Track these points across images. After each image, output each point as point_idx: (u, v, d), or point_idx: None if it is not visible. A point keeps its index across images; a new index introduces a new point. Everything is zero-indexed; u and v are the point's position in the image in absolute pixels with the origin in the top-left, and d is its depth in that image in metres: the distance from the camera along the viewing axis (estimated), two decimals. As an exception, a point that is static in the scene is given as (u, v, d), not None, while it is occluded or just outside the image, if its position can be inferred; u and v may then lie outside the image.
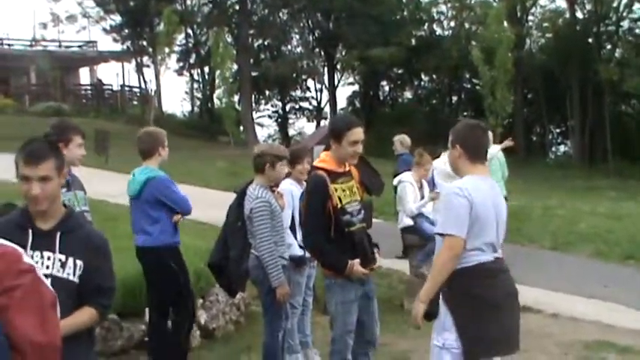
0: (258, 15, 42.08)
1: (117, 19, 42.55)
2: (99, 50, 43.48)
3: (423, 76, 46.12)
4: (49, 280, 2.89)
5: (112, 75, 52.77)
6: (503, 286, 3.99)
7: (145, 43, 42.01)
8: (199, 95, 47.90)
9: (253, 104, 44.03)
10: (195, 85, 48.29)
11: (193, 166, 20.33)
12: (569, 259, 11.23)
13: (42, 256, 2.95)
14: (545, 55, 41.51)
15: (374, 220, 8.39)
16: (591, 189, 24.92)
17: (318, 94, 47.92)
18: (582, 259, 11.28)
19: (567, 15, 39.92)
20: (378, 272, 5.52)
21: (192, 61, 45.43)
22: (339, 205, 4.54)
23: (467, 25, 40.96)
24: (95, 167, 17.44)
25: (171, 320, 5.85)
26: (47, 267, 2.94)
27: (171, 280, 5.62)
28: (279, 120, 49.36)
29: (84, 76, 45.62)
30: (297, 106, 49.56)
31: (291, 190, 6.01)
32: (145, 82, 43.22)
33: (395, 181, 8.76)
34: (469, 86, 43.87)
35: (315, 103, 48.45)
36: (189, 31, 43.56)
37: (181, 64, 45.01)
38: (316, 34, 44.63)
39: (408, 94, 48.28)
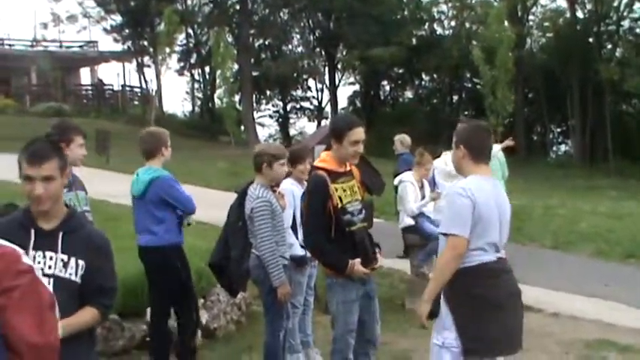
0: (258, 15, 42.12)
1: (117, 19, 42.64)
2: (100, 50, 43.52)
3: (423, 76, 46.15)
4: (52, 280, 2.91)
5: (113, 75, 53.01)
6: (506, 286, 4.00)
7: (145, 43, 42.06)
8: (200, 95, 47.97)
9: (254, 104, 44.08)
10: (196, 85, 48.39)
11: (194, 166, 20.34)
12: (570, 259, 11.24)
13: (44, 256, 2.95)
14: (545, 54, 41.53)
15: (375, 219, 8.40)
16: (592, 188, 24.93)
17: (319, 93, 48.03)
18: (583, 259, 11.28)
19: (568, 14, 39.95)
20: (380, 272, 5.53)
21: (192, 61, 45.48)
22: (340, 205, 4.55)
23: (467, 25, 40.96)
24: (96, 167, 17.44)
25: (177, 323, 5.87)
26: (49, 267, 2.94)
27: (174, 280, 5.63)
28: (280, 120, 49.39)
29: (85, 76, 45.72)
30: (297, 106, 49.62)
31: (292, 190, 6.01)
32: (145, 82, 43.33)
33: (396, 181, 8.76)
34: (470, 86, 43.91)
35: (315, 102, 48.54)
36: (190, 31, 43.62)
37: (182, 64, 45.11)
38: (317, 34, 44.66)
39: (408, 94, 48.35)
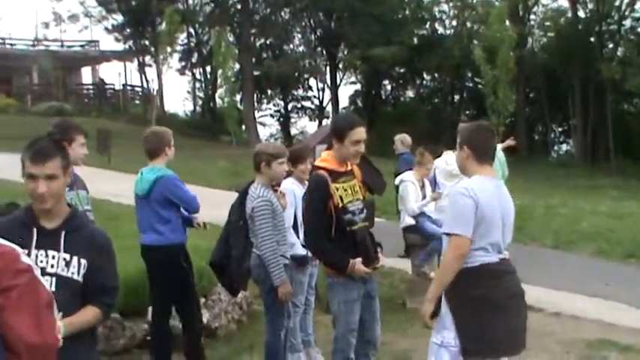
0: (260, 14, 42.14)
1: (119, 18, 42.70)
2: (101, 50, 43.54)
3: (424, 75, 46.15)
4: (54, 279, 2.91)
5: (114, 74, 53.06)
6: (509, 287, 3.99)
7: (147, 42, 42.12)
8: (201, 94, 48.02)
9: (255, 103, 44.13)
10: (197, 85, 48.44)
11: (195, 166, 20.34)
12: (571, 258, 11.24)
13: (47, 255, 2.96)
14: (547, 54, 41.52)
15: (376, 219, 8.40)
16: (593, 188, 24.93)
17: (320, 93, 48.05)
18: (584, 258, 11.28)
19: (569, 14, 39.96)
20: (380, 271, 5.52)
21: (194, 60, 45.52)
22: (341, 205, 4.55)
23: (469, 24, 40.98)
24: (97, 167, 17.44)
25: (181, 323, 5.88)
26: (52, 266, 2.95)
27: (178, 279, 5.64)
28: (282, 119, 49.40)
29: (86, 75, 45.76)
30: (299, 106, 49.65)
31: (293, 189, 6.02)
32: (147, 81, 43.41)
33: (397, 181, 8.77)
34: (471, 85, 43.95)
35: (317, 102, 48.58)
36: (191, 30, 43.65)
37: (183, 63, 45.16)
38: (318, 34, 44.65)
39: (410, 93, 48.37)
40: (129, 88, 44.61)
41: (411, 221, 8.33)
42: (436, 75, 45.08)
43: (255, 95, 43.26)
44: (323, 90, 47.52)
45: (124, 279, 4.76)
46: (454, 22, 43.36)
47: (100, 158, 20.42)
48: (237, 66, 36.33)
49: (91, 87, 44.53)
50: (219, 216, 6.34)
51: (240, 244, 5.44)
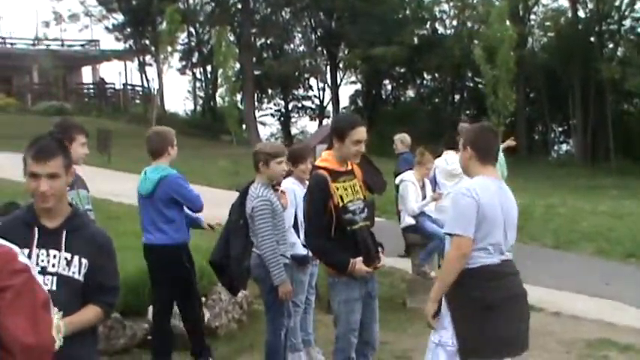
0: (260, 14, 42.14)
1: (119, 17, 42.73)
2: (101, 49, 43.55)
3: (425, 75, 46.15)
4: (55, 278, 2.92)
5: (115, 74, 53.07)
6: (510, 288, 3.99)
7: (147, 41, 42.14)
8: (202, 94, 48.04)
9: (256, 103, 44.11)
10: (198, 84, 48.46)
11: (196, 165, 20.34)
12: (571, 258, 11.25)
13: (48, 254, 2.96)
14: (547, 53, 41.50)
15: (376, 218, 8.41)
16: (593, 187, 24.93)
17: (321, 92, 48.07)
18: (584, 258, 11.29)
19: (569, 14, 39.96)
20: (381, 271, 5.52)
21: (194, 59, 45.53)
22: (341, 204, 4.55)
23: (469, 24, 40.94)
24: (98, 166, 17.44)
25: (184, 324, 5.88)
26: (53, 265, 2.95)
27: (180, 278, 5.64)
28: (282, 119, 49.41)
29: (86, 75, 45.77)
30: (299, 105, 49.65)
31: (294, 189, 6.02)
32: (147, 80, 43.43)
33: (397, 180, 8.77)
34: (471, 85, 43.96)
35: (317, 101, 48.59)
36: (192, 29, 43.64)
37: (184, 62, 45.18)
38: (319, 33, 44.66)
39: (410, 93, 48.37)
40: (129, 87, 44.61)
41: (411, 221, 8.34)
42: (436, 75, 45.08)
43: (255, 95, 43.25)
44: (323, 90, 47.61)
45: (124, 278, 4.76)
46: (454, 22, 43.38)
47: (100, 158, 20.42)
48: (238, 65, 36.35)
49: (91, 86, 44.55)
50: (220, 215, 6.34)
51: (241, 244, 5.45)
